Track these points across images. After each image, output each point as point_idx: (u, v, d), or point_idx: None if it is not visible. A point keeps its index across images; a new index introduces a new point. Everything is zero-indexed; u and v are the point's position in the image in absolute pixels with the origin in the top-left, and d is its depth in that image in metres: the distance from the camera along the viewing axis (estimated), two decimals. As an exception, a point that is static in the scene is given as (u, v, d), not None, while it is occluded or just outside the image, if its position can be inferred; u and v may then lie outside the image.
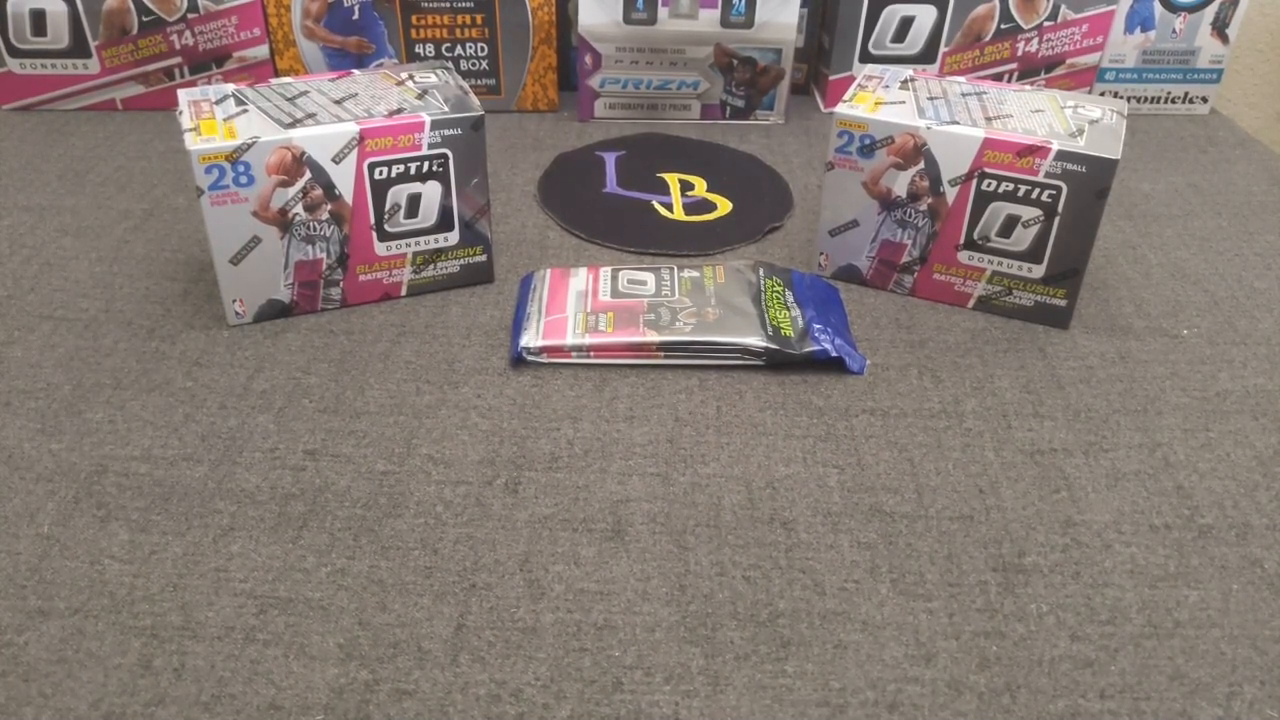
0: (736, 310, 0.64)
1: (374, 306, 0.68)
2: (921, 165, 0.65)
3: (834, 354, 0.62)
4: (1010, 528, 0.52)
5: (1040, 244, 0.65)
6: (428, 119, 0.63)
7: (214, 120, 0.62)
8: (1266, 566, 0.50)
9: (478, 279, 0.71)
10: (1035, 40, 0.95)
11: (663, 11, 0.90)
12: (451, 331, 0.66)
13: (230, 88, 0.65)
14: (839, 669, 0.45)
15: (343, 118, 0.62)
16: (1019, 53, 0.96)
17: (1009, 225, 0.65)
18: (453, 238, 0.68)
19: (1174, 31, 0.97)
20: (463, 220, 0.68)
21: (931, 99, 0.68)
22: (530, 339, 0.63)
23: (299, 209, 0.63)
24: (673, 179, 0.85)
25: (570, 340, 0.62)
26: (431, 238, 0.67)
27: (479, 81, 0.96)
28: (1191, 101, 1.01)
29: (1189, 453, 0.57)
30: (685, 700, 0.43)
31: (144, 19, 0.90)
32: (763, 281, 0.67)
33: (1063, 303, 0.66)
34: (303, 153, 0.61)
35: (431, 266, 0.68)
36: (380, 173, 0.63)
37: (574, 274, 0.68)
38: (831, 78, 0.96)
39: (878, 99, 0.67)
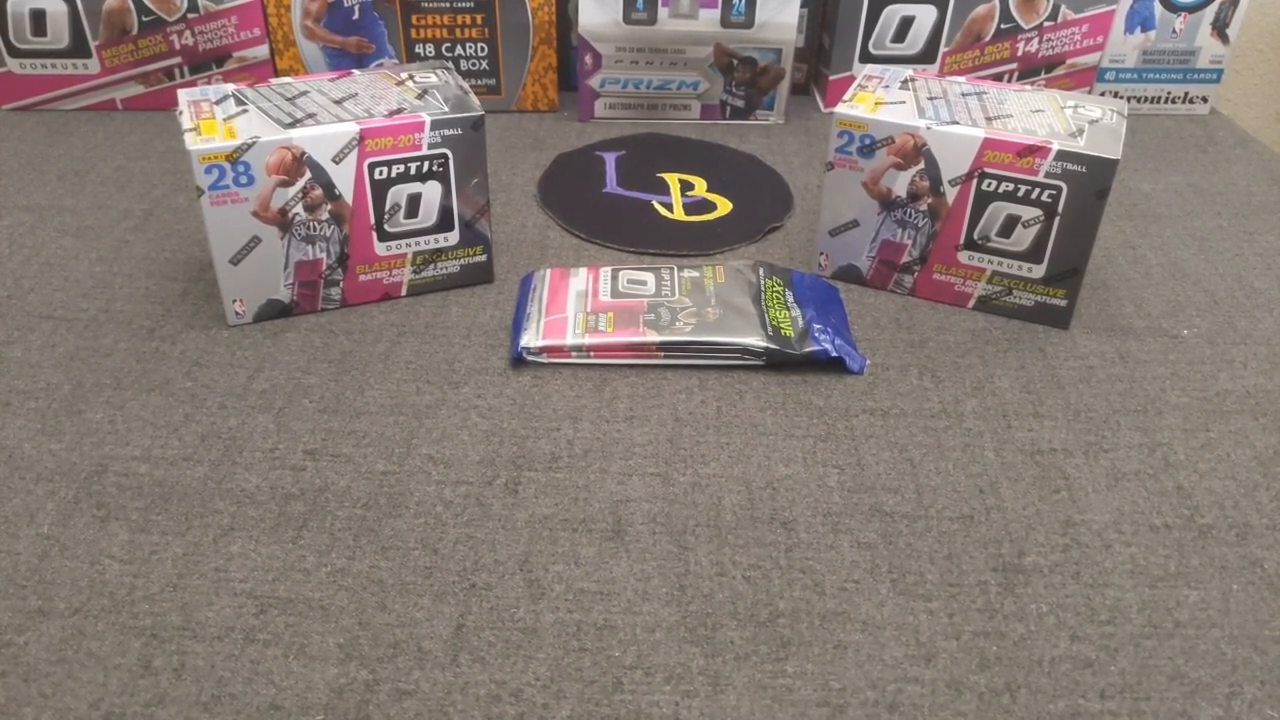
0: (736, 310, 0.64)
1: (374, 306, 0.68)
2: (921, 165, 0.65)
3: (834, 354, 0.62)
4: (1010, 528, 0.52)
5: (1040, 244, 0.65)
6: (428, 119, 0.63)
7: (214, 120, 0.62)
8: (1266, 566, 0.50)
9: (478, 279, 0.71)
10: (1035, 40, 0.95)
11: (663, 11, 0.90)
12: (451, 331, 0.66)
13: (230, 88, 0.65)
14: (839, 669, 0.45)
15: (343, 118, 0.62)
16: (1019, 53, 0.96)
17: (1009, 225, 0.65)
18: (453, 238, 0.68)
19: (1174, 31, 0.97)
20: (463, 220, 0.68)
21: (931, 99, 0.68)
22: (530, 339, 0.63)
23: (299, 209, 0.63)
24: (673, 179, 0.85)
25: (570, 340, 0.62)
26: (431, 238, 0.67)
27: (479, 81, 0.96)
28: (1191, 101, 1.01)
29: (1189, 453, 0.57)
30: (685, 700, 0.43)
31: (144, 19, 0.90)
32: (763, 281, 0.67)
33: (1063, 303, 0.66)
34: (303, 153, 0.61)
35: (431, 266, 0.68)
36: (380, 173, 0.63)
37: (574, 274, 0.68)
38: (831, 78, 0.96)
39: (878, 99, 0.67)
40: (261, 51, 0.93)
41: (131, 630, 0.46)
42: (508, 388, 0.61)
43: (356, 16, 0.92)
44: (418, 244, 0.67)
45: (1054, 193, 0.63)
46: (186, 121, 0.61)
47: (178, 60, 0.93)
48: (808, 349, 0.62)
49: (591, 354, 0.63)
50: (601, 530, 0.51)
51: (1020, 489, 0.55)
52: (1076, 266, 0.65)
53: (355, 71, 0.69)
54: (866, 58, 0.95)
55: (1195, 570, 0.50)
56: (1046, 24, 0.94)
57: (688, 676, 0.44)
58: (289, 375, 0.61)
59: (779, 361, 0.62)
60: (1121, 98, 1.00)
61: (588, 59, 0.93)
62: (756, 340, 0.62)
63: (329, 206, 0.63)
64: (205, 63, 0.93)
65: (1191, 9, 0.95)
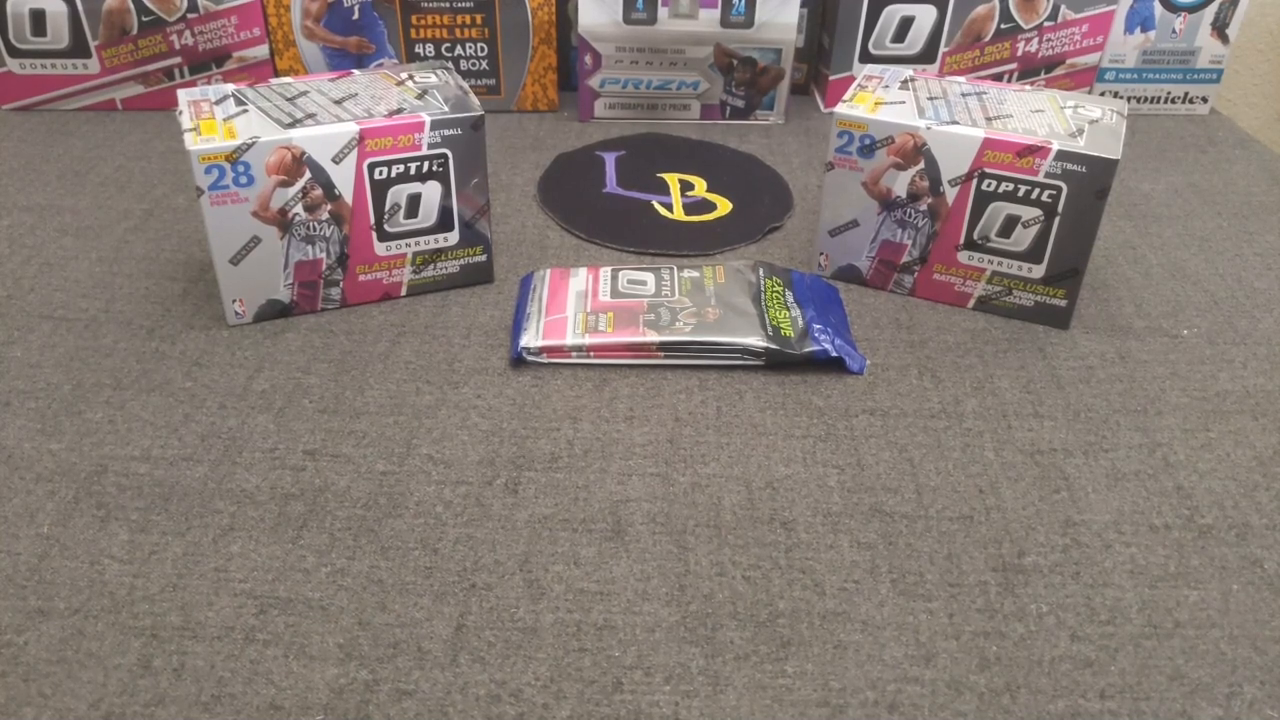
0: (736, 310, 0.64)
1: (374, 306, 0.68)
2: (921, 165, 0.65)
3: (834, 354, 0.62)
4: (1010, 528, 0.52)
5: (1040, 244, 0.65)
6: (428, 119, 0.63)
7: (214, 120, 0.62)
8: (1266, 566, 0.50)
9: (478, 279, 0.71)
10: (1035, 40, 0.95)
11: (663, 11, 0.90)
12: (451, 331, 0.66)
13: (230, 88, 0.65)
14: (839, 669, 0.45)
15: (343, 118, 0.62)
16: (1019, 53, 0.96)
17: (1009, 225, 0.65)
18: (453, 238, 0.68)
19: (1174, 31, 0.97)
20: (463, 220, 0.68)
21: (931, 99, 0.68)
22: (530, 339, 0.63)
23: (299, 209, 0.63)
24: (673, 179, 0.85)
25: (570, 340, 0.62)
26: (431, 238, 0.67)
27: (479, 81, 0.96)
28: (1191, 101, 1.01)
29: (1189, 453, 0.57)
30: (685, 700, 0.43)
31: (144, 19, 0.90)
32: (763, 281, 0.67)
33: (1063, 303, 0.66)
34: (303, 153, 0.61)
35: (431, 266, 0.68)
36: (380, 173, 0.63)
37: (574, 274, 0.68)
38: (831, 78, 0.96)
39: (878, 99, 0.67)
40: (261, 51, 0.93)
41: (131, 630, 0.46)
42: (508, 388, 0.61)
43: (356, 16, 0.92)
44: (418, 244, 0.67)
45: (1054, 193, 0.63)
46: (186, 121, 0.61)
47: (178, 60, 0.93)
48: (808, 349, 0.62)
49: (591, 354, 0.63)
50: (601, 530, 0.51)
51: (1020, 489, 0.55)
52: (1076, 266, 0.65)
53: (355, 71, 0.69)
54: (866, 58, 0.95)
55: (1195, 570, 0.50)
56: (1046, 24, 0.94)
57: (688, 676, 0.44)
58: (289, 375, 0.61)
59: (779, 361, 0.62)
60: (1121, 98, 1.00)
61: (588, 59, 0.93)
62: (756, 340, 0.62)
63: (329, 206, 0.63)
64: (205, 63, 0.93)
65: (1191, 9, 0.95)
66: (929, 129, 0.64)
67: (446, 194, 0.66)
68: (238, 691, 0.43)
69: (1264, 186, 0.87)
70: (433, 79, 0.68)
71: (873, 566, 0.50)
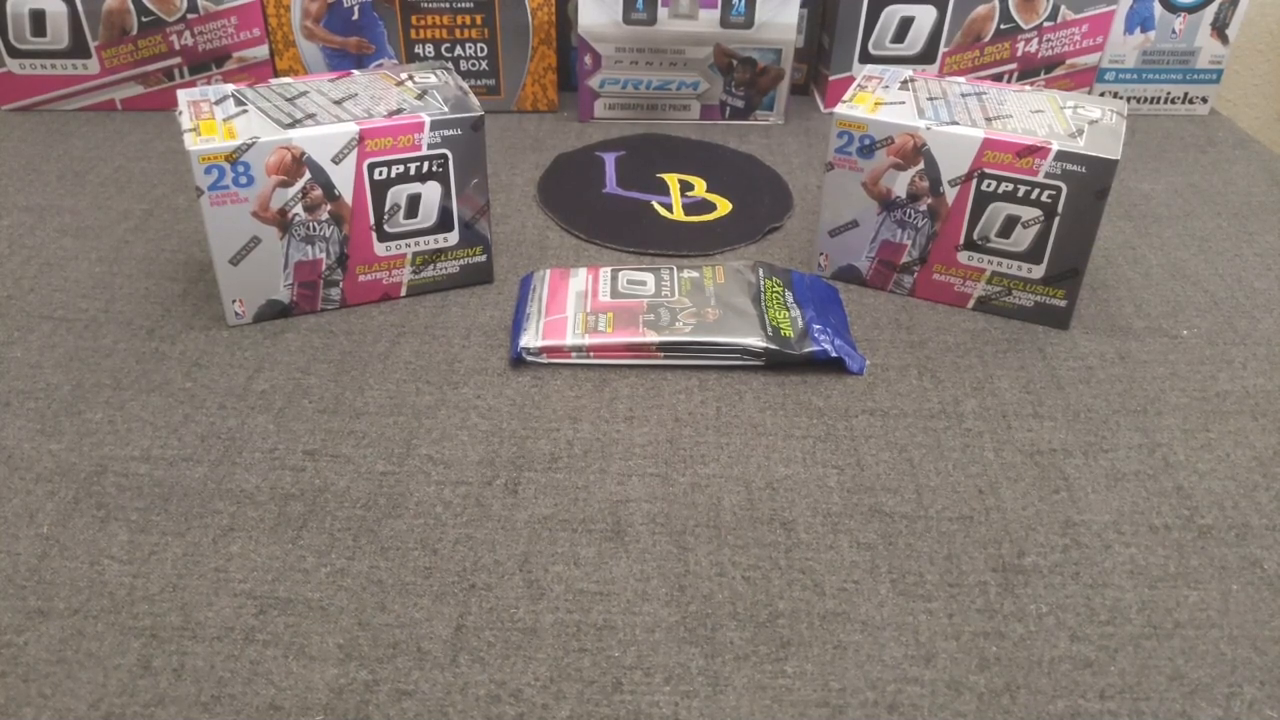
0: (736, 310, 0.64)
1: (374, 307, 0.68)
2: (921, 165, 0.65)
3: (834, 354, 0.62)
4: (1010, 528, 0.52)
5: (1040, 244, 0.65)
6: (427, 119, 0.63)
7: (214, 120, 0.62)
8: (1266, 566, 0.50)
9: (477, 279, 0.71)
10: (1035, 41, 0.95)
11: (663, 12, 0.90)
12: (451, 331, 0.66)
13: (230, 88, 0.65)
14: (839, 669, 0.45)
15: (342, 118, 0.62)
16: (1019, 53, 0.96)
17: (1009, 225, 0.65)
18: (452, 238, 0.68)
19: (1174, 32, 0.97)
20: (462, 220, 0.68)
21: (931, 99, 0.68)
22: (530, 339, 0.63)
23: (299, 209, 0.63)
24: (672, 179, 0.85)
25: (570, 340, 0.62)
26: (431, 238, 0.67)
27: (479, 82, 0.96)
28: (1191, 102, 1.01)
29: (1189, 453, 0.57)
30: (685, 700, 0.43)
31: (144, 19, 0.90)
32: (762, 282, 0.67)
33: (1062, 303, 0.66)
34: (302, 153, 0.61)
35: (431, 267, 0.68)
36: (380, 173, 0.63)
37: (574, 274, 0.68)
38: (831, 78, 0.96)
39: (877, 99, 0.67)
40: (261, 52, 0.93)
41: (131, 630, 0.46)
42: (507, 388, 0.61)
43: (356, 17, 0.92)
44: (417, 244, 0.67)
45: (1054, 193, 0.63)
46: (186, 122, 0.61)
47: (177, 61, 0.93)
48: (807, 349, 0.62)
49: (591, 354, 0.63)
50: (601, 530, 0.51)
51: (1020, 489, 0.55)
52: (1076, 267, 0.65)
53: (355, 72, 0.69)
54: (866, 58, 0.95)
55: (1195, 570, 0.50)
56: (1046, 24, 0.94)
57: (687, 676, 0.44)
58: (289, 375, 0.61)
59: (779, 362, 0.62)
60: (1121, 98, 1.00)
61: (587, 59, 0.93)
62: (756, 340, 0.62)
63: (328, 207, 0.63)
64: (205, 63, 0.93)
65: (1191, 9, 0.95)
66: (929, 129, 0.64)
67: (446, 194, 0.66)
68: (238, 692, 0.43)
69: (1264, 186, 0.87)
70: (432, 79, 0.68)
71: (872, 567, 0.50)
